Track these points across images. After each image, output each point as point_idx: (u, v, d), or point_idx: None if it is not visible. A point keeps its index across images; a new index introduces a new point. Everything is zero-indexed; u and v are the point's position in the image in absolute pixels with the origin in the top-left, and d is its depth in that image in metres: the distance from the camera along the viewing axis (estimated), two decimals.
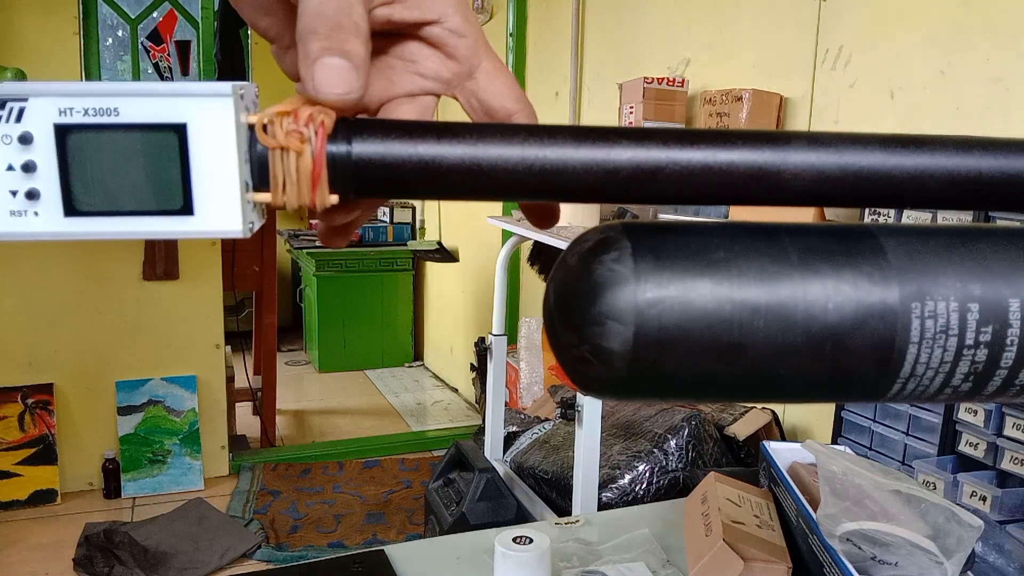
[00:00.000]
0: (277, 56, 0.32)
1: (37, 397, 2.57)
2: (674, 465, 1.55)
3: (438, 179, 0.24)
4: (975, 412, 1.13)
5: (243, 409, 3.31)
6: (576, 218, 1.81)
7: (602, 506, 1.51)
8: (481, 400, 3.27)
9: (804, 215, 1.34)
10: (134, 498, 2.66)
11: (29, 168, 0.23)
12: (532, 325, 2.71)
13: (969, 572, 0.71)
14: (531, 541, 0.77)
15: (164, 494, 2.68)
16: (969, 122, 1.38)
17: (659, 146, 0.24)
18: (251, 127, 0.24)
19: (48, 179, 0.23)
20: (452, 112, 0.32)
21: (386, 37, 0.30)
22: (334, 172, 0.24)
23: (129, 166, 0.23)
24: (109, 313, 2.65)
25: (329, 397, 3.90)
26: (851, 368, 0.22)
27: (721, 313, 0.22)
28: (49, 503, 2.58)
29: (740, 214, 1.48)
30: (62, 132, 0.23)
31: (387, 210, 4.38)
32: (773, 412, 1.69)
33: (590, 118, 2.74)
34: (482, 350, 3.19)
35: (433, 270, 4.25)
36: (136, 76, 4.43)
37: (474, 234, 3.68)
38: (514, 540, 0.77)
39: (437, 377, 4.25)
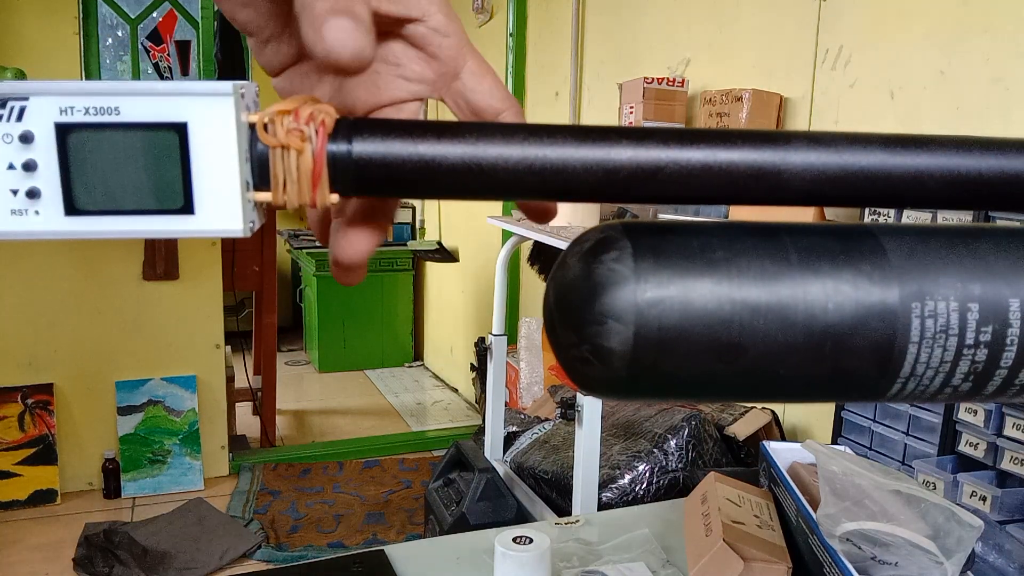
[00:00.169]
0: (256, 50, 0.31)
1: (37, 397, 2.57)
2: (674, 465, 1.55)
3: (438, 179, 0.24)
4: (975, 412, 1.13)
5: (243, 409, 3.31)
6: (576, 218, 1.81)
7: (602, 506, 1.51)
8: (481, 400, 3.27)
9: (804, 215, 1.34)
10: (134, 498, 2.66)
11: (30, 167, 0.23)
12: (532, 325, 2.71)
13: (969, 572, 0.71)
14: (531, 541, 0.77)
15: (164, 494, 2.68)
16: (969, 122, 1.38)
17: (659, 146, 0.24)
18: (252, 126, 0.24)
19: (49, 178, 0.23)
20: (445, 114, 0.31)
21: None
22: (335, 171, 0.24)
23: (130, 165, 0.23)
24: (109, 313, 2.65)
25: (329, 397, 3.90)
26: (851, 368, 0.23)
27: (721, 313, 0.22)
28: (49, 503, 2.58)
29: (740, 214, 1.48)
30: (63, 131, 0.23)
31: None
32: (773, 412, 1.69)
33: (590, 118, 2.74)
34: (482, 350, 3.19)
35: (433, 270, 4.25)
36: (136, 76, 4.43)
37: (474, 234, 3.68)
38: (514, 540, 0.77)
39: (437, 377, 4.25)
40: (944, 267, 0.22)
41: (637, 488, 1.53)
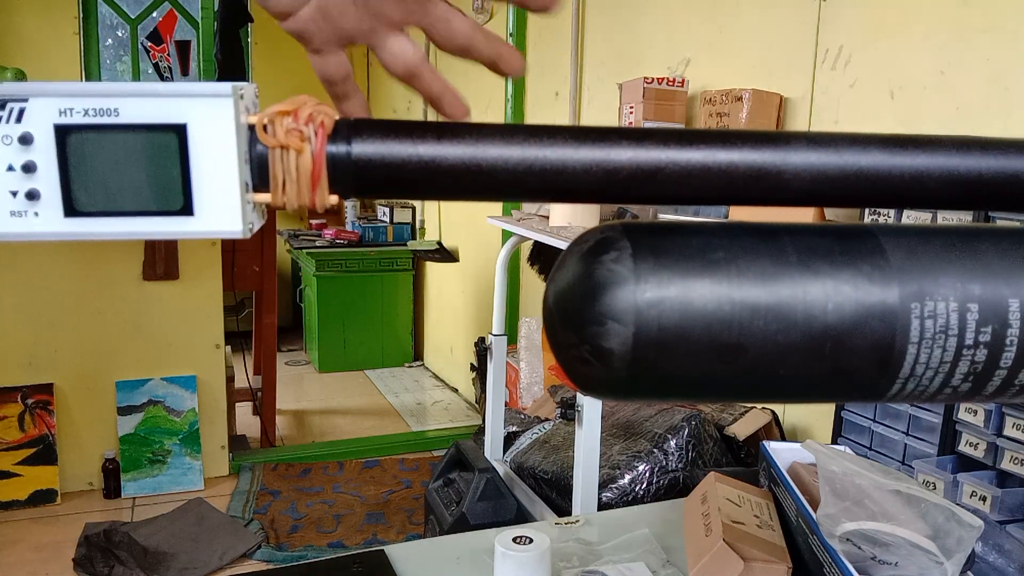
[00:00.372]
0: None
1: (37, 397, 2.57)
2: (674, 465, 1.55)
3: (438, 179, 0.24)
4: (975, 412, 1.13)
5: (243, 409, 3.31)
6: (576, 218, 1.80)
7: (602, 506, 1.51)
8: (481, 400, 3.27)
9: (804, 215, 1.34)
10: (134, 498, 2.66)
11: (29, 168, 0.23)
12: (532, 325, 2.71)
13: (969, 572, 0.71)
14: (531, 541, 0.77)
15: (164, 494, 2.68)
16: (969, 122, 1.38)
17: (659, 146, 0.24)
18: (251, 127, 0.24)
19: (48, 179, 0.23)
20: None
21: None
22: (334, 172, 0.24)
23: (129, 166, 0.23)
24: (109, 313, 2.65)
25: (329, 397, 3.90)
26: (851, 368, 0.22)
27: (721, 313, 0.22)
28: (49, 503, 2.58)
29: (740, 214, 1.48)
30: (62, 132, 0.23)
31: (387, 210, 4.38)
32: (773, 412, 1.69)
33: (590, 118, 2.74)
34: (482, 350, 3.19)
35: (433, 270, 4.25)
36: (136, 76, 4.43)
37: (474, 234, 3.68)
38: (514, 540, 0.77)
39: (437, 377, 4.24)
40: (944, 267, 0.22)
41: (637, 488, 1.53)
